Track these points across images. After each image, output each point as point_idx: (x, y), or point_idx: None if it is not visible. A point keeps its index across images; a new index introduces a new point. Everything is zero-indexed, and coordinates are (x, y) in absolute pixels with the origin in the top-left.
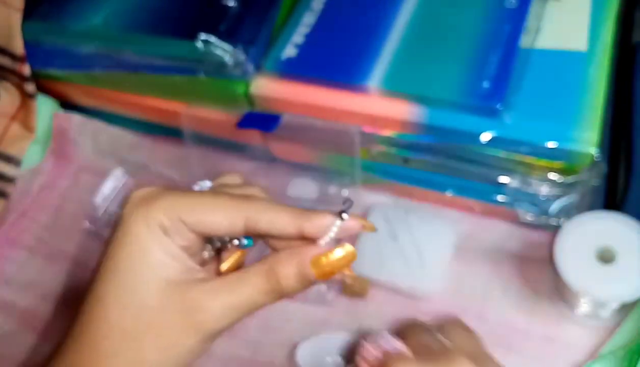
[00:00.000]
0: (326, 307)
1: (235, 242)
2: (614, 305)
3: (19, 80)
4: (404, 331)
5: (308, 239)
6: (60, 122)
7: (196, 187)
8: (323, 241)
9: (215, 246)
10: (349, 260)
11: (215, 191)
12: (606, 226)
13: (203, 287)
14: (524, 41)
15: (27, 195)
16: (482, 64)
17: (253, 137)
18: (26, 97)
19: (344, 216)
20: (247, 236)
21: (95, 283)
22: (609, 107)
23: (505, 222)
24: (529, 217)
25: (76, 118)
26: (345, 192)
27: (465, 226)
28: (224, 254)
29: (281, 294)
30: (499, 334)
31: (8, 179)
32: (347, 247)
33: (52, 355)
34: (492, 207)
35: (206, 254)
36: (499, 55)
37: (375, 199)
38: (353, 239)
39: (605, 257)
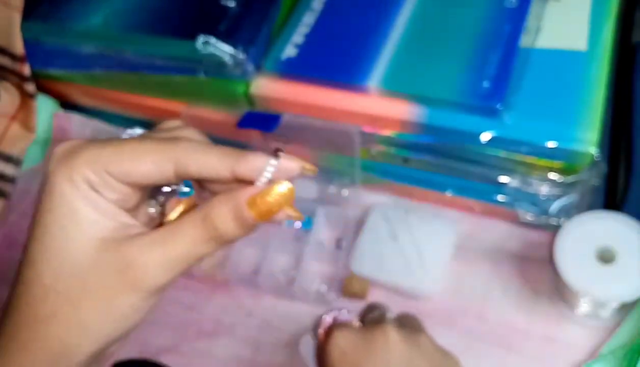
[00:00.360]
0: (326, 307)
1: (171, 189)
2: (614, 305)
3: (19, 80)
4: (364, 310)
5: (244, 182)
6: (60, 122)
7: (124, 136)
8: (259, 182)
9: (160, 200)
10: (287, 197)
11: (141, 137)
12: (606, 226)
13: (137, 242)
14: (524, 41)
15: (27, 195)
16: (482, 63)
17: (253, 137)
18: (26, 97)
19: (280, 154)
20: (186, 184)
21: (27, 247)
22: (609, 107)
23: (505, 222)
24: (529, 217)
25: (76, 118)
26: (345, 193)
27: (465, 226)
28: (168, 207)
29: (221, 240)
30: (499, 334)
31: (8, 179)
32: (284, 184)
33: None
34: (492, 207)
35: (152, 210)
36: (499, 55)
37: (375, 199)
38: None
39: (605, 257)
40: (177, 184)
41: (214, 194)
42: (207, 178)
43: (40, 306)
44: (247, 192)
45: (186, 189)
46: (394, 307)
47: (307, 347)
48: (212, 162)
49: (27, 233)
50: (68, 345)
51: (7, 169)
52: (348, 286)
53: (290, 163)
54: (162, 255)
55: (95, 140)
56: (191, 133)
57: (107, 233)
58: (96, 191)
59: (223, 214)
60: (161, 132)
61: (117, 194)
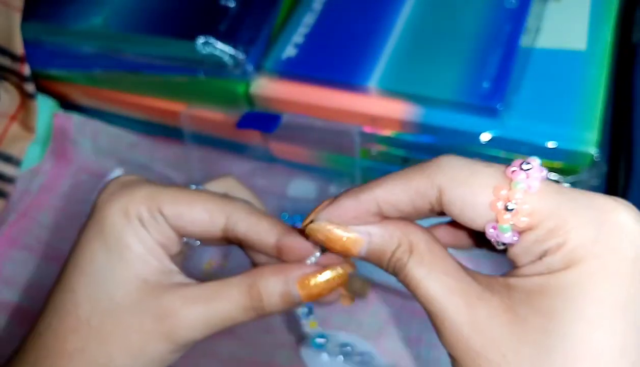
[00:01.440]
0: (326, 307)
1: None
2: None
3: (18, 80)
4: None
5: (284, 260)
6: (60, 122)
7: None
8: (309, 260)
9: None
10: (339, 284)
11: (198, 189)
12: None
13: (180, 293)
14: (524, 41)
15: (27, 195)
16: (482, 64)
17: (253, 137)
18: (26, 97)
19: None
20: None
21: (66, 274)
22: (609, 107)
23: None
24: None
25: (76, 118)
26: None
27: None
28: None
29: (261, 313)
30: None
31: (8, 179)
32: (338, 270)
33: (18, 347)
34: None
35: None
36: (499, 55)
37: None
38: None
39: None
40: (220, 242)
41: (254, 262)
42: (251, 241)
43: (69, 337)
44: (299, 270)
45: None
46: (394, 307)
47: (310, 356)
48: (263, 226)
49: (27, 233)
50: None
51: (7, 169)
52: (348, 285)
53: (334, 258)
54: (203, 313)
55: (150, 181)
56: (244, 194)
57: (152, 275)
58: (145, 228)
59: (271, 286)
60: (215, 186)
61: (164, 237)
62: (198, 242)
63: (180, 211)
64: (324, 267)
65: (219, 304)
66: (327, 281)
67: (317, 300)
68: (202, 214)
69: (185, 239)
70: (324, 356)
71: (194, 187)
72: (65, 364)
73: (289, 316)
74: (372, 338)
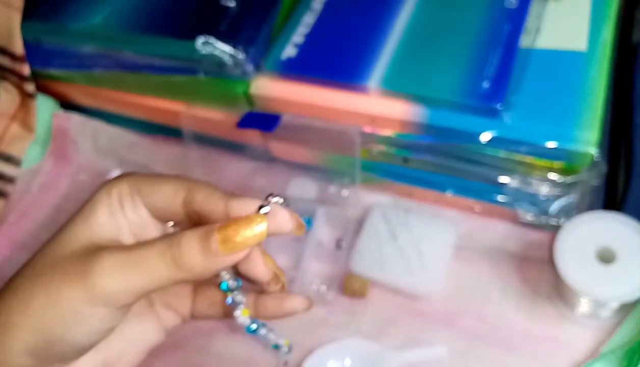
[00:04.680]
0: (326, 307)
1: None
2: (614, 305)
3: (18, 80)
4: None
5: None
6: (60, 122)
7: None
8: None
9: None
10: (258, 234)
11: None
12: (606, 226)
13: (109, 248)
14: (524, 41)
15: (27, 195)
16: (482, 64)
17: (253, 137)
18: (26, 97)
19: (275, 199)
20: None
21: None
22: (609, 107)
23: (505, 222)
24: (529, 217)
25: (76, 118)
26: (345, 193)
27: (465, 226)
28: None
29: (181, 267)
30: (498, 334)
31: (8, 179)
32: (259, 219)
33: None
34: (492, 207)
35: (230, 300)
36: (499, 55)
37: (375, 199)
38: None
39: (605, 257)
40: (185, 222)
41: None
42: (206, 212)
43: (17, 279)
44: (222, 221)
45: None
46: (394, 307)
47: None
48: (217, 194)
49: (27, 233)
50: (11, 321)
51: (7, 169)
52: (348, 285)
53: (283, 218)
54: (121, 259)
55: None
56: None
57: (101, 241)
58: (121, 204)
59: (190, 234)
60: None
61: (136, 216)
62: (171, 223)
63: (151, 189)
64: (244, 217)
65: (138, 251)
66: (247, 227)
67: (235, 252)
68: (167, 188)
69: (170, 226)
70: (331, 364)
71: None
72: (4, 299)
73: None
74: (372, 338)
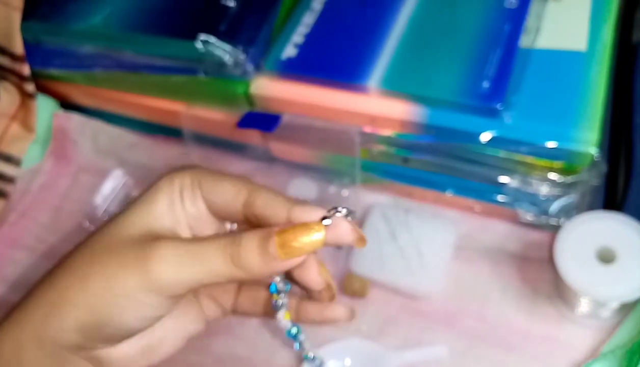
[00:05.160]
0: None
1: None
2: (614, 305)
3: (18, 80)
4: None
5: None
6: (60, 122)
7: None
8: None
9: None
10: (317, 242)
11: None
12: (606, 226)
13: (169, 238)
14: (524, 41)
15: (27, 195)
16: (481, 64)
17: (253, 137)
18: (26, 97)
19: (341, 212)
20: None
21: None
22: (609, 107)
23: (505, 222)
24: (529, 217)
25: (76, 118)
26: (345, 193)
27: (465, 226)
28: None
29: (240, 266)
30: (498, 334)
31: (8, 179)
32: (319, 227)
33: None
34: (492, 207)
35: (280, 302)
36: (499, 55)
37: (375, 199)
38: None
39: (605, 257)
40: (243, 223)
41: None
42: (267, 216)
43: (77, 258)
44: (283, 225)
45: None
46: (394, 307)
47: None
48: (279, 200)
49: (27, 233)
50: (66, 298)
51: (7, 169)
52: (348, 285)
53: (344, 230)
54: (180, 251)
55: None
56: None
57: (160, 230)
58: (181, 196)
59: (251, 237)
60: None
61: (196, 210)
62: (232, 225)
63: (213, 185)
64: (304, 224)
65: (198, 245)
66: (306, 233)
67: (293, 257)
68: (229, 187)
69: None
70: (331, 364)
71: None
72: (60, 276)
73: None
74: (372, 338)
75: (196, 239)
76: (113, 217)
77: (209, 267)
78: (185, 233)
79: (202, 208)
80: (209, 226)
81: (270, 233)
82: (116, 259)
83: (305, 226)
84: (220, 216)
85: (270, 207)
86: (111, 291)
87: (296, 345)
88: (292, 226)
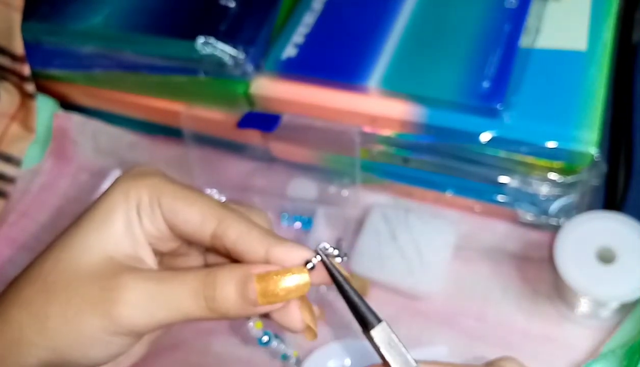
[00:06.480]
0: (326, 308)
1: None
2: (614, 305)
3: (18, 80)
4: None
5: None
6: (60, 122)
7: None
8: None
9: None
10: (301, 288)
11: (206, 194)
12: (606, 226)
13: (134, 275)
14: (524, 41)
15: (27, 195)
16: (481, 64)
17: (253, 137)
18: (26, 97)
19: (323, 255)
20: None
21: (61, 232)
22: (609, 107)
23: (505, 222)
24: (529, 217)
25: (76, 118)
26: (345, 193)
27: (465, 226)
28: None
29: (212, 305)
30: (498, 334)
31: (8, 179)
32: (303, 275)
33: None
34: (492, 207)
35: (310, 265)
36: (499, 55)
37: (375, 199)
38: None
39: (605, 257)
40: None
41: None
42: (240, 251)
43: (26, 288)
44: (262, 267)
45: (335, 252)
46: (394, 307)
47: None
48: (253, 234)
49: (27, 233)
50: (25, 337)
51: (7, 169)
52: None
53: (296, 318)
54: (148, 292)
55: (166, 175)
56: (256, 214)
57: (119, 255)
58: (139, 214)
59: (227, 274)
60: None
61: (155, 229)
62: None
63: (176, 208)
64: (287, 269)
65: (169, 285)
66: (291, 280)
67: (271, 303)
68: (195, 215)
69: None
70: (331, 364)
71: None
72: (14, 312)
73: None
74: None
75: (165, 276)
76: (63, 238)
77: (180, 310)
78: (148, 255)
79: (162, 228)
80: (172, 244)
81: (249, 276)
82: (77, 298)
83: (288, 271)
84: (184, 239)
85: (244, 242)
86: (73, 333)
87: (271, 351)
88: (273, 271)
